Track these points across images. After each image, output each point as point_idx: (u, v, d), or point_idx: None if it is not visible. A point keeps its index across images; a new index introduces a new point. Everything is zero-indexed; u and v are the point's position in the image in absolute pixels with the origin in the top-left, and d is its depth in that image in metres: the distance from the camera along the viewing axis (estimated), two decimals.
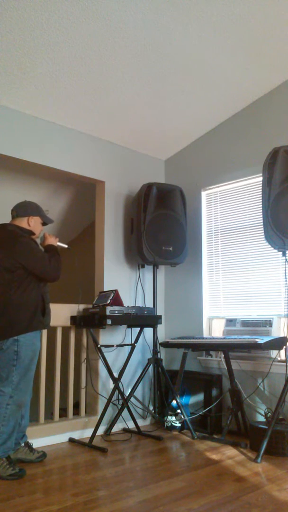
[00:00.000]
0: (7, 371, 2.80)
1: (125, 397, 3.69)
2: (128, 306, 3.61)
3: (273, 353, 3.56)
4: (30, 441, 3.14)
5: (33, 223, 3.07)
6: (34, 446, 3.14)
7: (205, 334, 4.15)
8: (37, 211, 3.10)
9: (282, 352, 3.52)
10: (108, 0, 2.74)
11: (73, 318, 3.71)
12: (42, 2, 2.67)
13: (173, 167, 4.65)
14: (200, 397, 3.89)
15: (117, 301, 3.62)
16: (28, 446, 3.04)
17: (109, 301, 3.55)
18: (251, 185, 3.96)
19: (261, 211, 3.32)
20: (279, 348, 3.36)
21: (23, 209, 3.08)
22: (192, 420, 3.75)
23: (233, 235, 4.04)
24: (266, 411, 3.42)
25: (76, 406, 3.84)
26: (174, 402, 3.73)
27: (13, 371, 2.79)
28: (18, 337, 2.80)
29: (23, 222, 3.05)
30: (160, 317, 3.80)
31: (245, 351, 3.66)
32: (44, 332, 3.57)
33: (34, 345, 2.88)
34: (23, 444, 3.03)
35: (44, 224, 3.17)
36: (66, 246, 3.35)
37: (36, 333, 2.91)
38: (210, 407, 3.73)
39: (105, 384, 3.89)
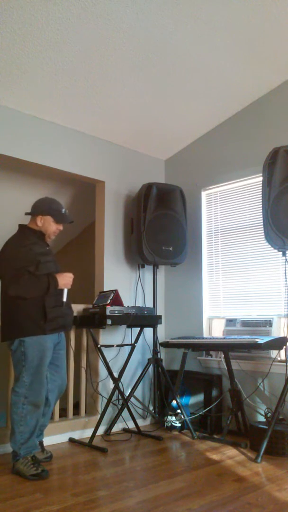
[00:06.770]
0: (18, 371, 2.83)
1: (125, 397, 3.70)
2: (128, 306, 3.61)
3: (273, 353, 3.55)
4: None
5: (42, 223, 2.95)
6: None
7: (205, 334, 4.15)
8: (48, 209, 2.95)
9: (282, 352, 3.52)
10: (108, 0, 2.74)
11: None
12: (42, 2, 2.67)
13: (173, 167, 4.65)
14: (200, 397, 3.89)
15: (117, 301, 3.62)
16: (41, 445, 3.05)
17: (109, 301, 3.54)
18: (251, 185, 3.96)
19: (261, 211, 3.31)
20: (279, 348, 3.36)
21: (35, 207, 2.97)
22: (192, 420, 3.75)
23: (233, 235, 4.04)
24: (266, 411, 3.42)
25: (76, 406, 3.84)
26: (174, 402, 3.73)
27: (23, 372, 2.80)
28: (24, 338, 2.80)
29: (33, 222, 2.97)
30: (160, 317, 3.80)
31: (245, 351, 3.65)
32: None
33: (41, 345, 2.83)
34: (37, 442, 3.02)
35: (58, 223, 2.98)
36: (64, 300, 2.92)
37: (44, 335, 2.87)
38: (210, 407, 3.73)
39: (105, 384, 3.89)
